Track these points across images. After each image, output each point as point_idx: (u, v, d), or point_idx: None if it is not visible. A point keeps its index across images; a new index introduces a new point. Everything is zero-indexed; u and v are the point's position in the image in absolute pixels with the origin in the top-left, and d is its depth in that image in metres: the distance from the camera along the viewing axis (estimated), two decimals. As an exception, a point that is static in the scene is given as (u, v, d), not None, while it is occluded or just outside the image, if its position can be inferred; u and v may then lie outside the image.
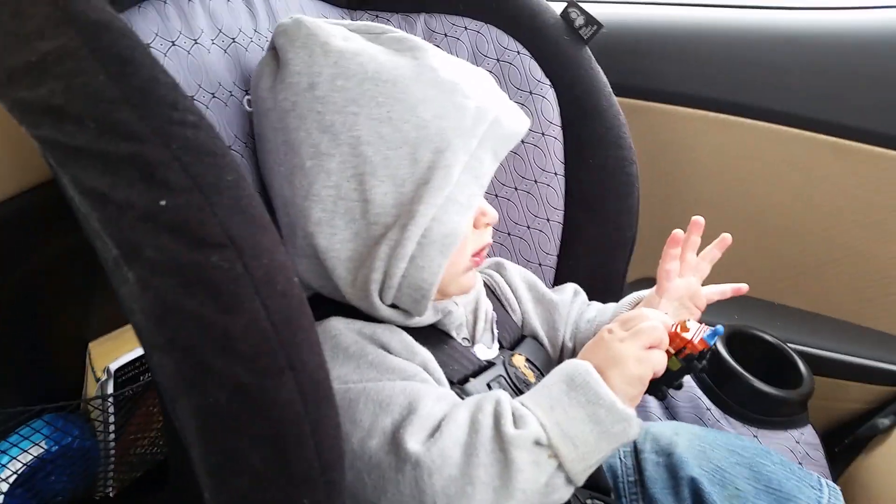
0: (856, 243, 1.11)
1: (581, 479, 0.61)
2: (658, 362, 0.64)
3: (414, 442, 0.58)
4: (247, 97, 0.74)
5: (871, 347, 1.10)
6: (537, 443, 0.59)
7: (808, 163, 1.10)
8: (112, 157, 0.45)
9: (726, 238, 0.83)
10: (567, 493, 0.61)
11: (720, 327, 0.67)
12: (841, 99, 1.07)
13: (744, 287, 0.83)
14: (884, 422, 0.98)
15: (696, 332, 0.67)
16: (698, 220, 0.81)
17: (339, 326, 0.68)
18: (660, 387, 0.68)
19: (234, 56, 0.75)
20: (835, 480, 0.90)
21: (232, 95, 0.72)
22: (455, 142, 0.65)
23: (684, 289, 0.81)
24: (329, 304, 0.70)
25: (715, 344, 0.68)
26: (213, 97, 0.70)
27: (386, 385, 0.62)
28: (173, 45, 0.67)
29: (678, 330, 0.67)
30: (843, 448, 1.03)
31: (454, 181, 0.65)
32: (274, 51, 0.69)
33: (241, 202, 0.47)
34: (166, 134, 0.45)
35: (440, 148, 0.64)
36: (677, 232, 0.81)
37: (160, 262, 0.45)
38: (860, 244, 1.11)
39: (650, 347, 0.64)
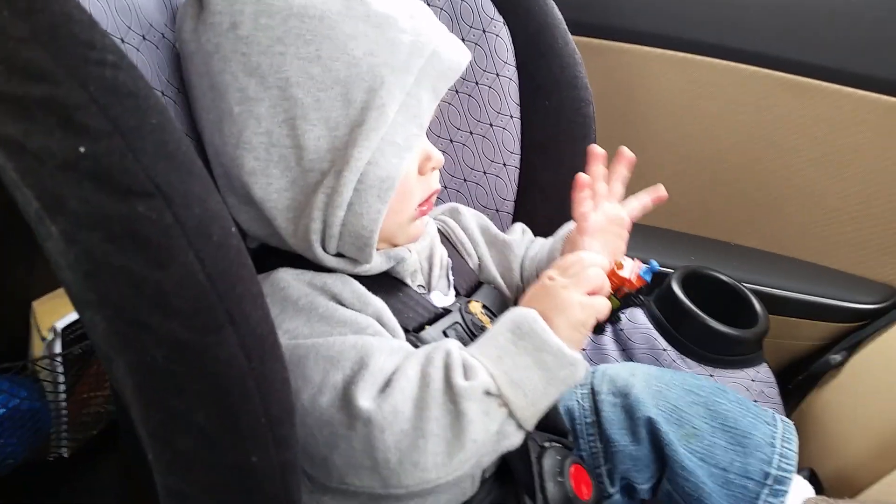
0: (811, 182, 1.12)
1: (531, 424, 0.62)
2: (601, 307, 0.64)
3: (365, 398, 0.58)
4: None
5: (825, 285, 1.12)
6: (487, 392, 0.59)
7: (765, 101, 1.11)
8: (24, 101, 0.42)
9: (626, 154, 0.82)
10: (518, 437, 0.62)
11: (654, 262, 0.70)
12: (799, 36, 1.07)
13: (663, 193, 0.83)
14: (835, 357, 1.00)
15: (632, 270, 0.69)
16: (595, 149, 0.81)
17: (287, 278, 0.66)
18: (600, 323, 0.70)
19: (166, -5, 0.71)
20: (788, 416, 0.92)
21: (164, 38, 0.68)
22: (389, 79, 0.62)
23: (604, 220, 0.80)
24: (277, 255, 0.68)
25: (653, 278, 0.71)
26: (144, 39, 0.66)
27: (336, 340, 0.61)
28: (98, -18, 0.63)
29: (614, 268, 0.69)
30: (797, 384, 1.06)
31: (389, 121, 0.62)
32: None
33: (167, 147, 0.44)
34: (82, 75, 0.42)
35: (373, 87, 0.61)
36: (581, 176, 0.81)
37: (84, 214, 0.42)
38: (815, 183, 1.12)
39: (592, 292, 0.64)
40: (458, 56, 0.68)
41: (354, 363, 0.60)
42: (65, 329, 1.00)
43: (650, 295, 1.01)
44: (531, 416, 0.61)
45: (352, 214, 0.63)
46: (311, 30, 0.61)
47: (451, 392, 0.58)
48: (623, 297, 0.69)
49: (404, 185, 0.67)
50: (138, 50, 0.65)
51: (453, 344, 0.63)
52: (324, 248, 0.66)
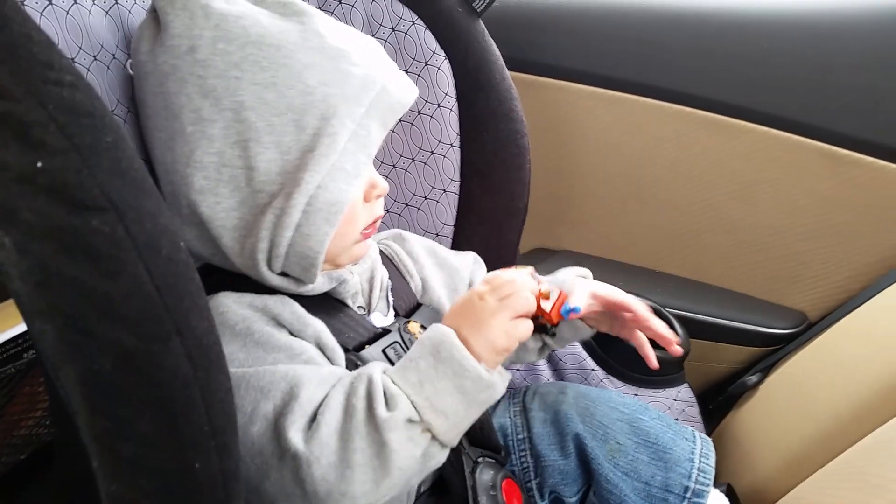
0: (729, 214, 1.17)
1: (455, 442, 0.64)
2: (524, 333, 0.66)
3: (294, 431, 0.59)
4: (129, 61, 0.71)
5: (742, 311, 1.17)
6: (409, 420, 0.60)
7: (686, 137, 1.16)
8: None
9: None
10: (444, 455, 0.64)
11: (578, 307, 0.71)
12: (716, 76, 1.12)
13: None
14: (751, 379, 1.05)
15: (555, 304, 0.70)
16: None
17: (226, 303, 0.67)
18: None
19: (116, 18, 0.72)
20: (709, 434, 0.97)
21: (114, 59, 0.70)
22: (341, 109, 0.64)
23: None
24: (219, 275, 0.69)
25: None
26: (95, 60, 0.67)
27: (268, 370, 0.62)
28: (50, 3, 0.64)
29: (540, 296, 0.69)
30: (717, 405, 1.10)
31: (340, 149, 0.64)
32: (154, 13, 0.66)
33: (121, 164, 0.46)
34: (41, 93, 0.43)
35: (326, 115, 0.63)
36: None
37: (38, 226, 0.44)
38: (733, 214, 1.17)
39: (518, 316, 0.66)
40: (406, 93, 0.70)
41: (285, 394, 0.61)
42: (-2, 347, 0.98)
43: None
44: (454, 436, 0.63)
45: (299, 235, 0.65)
46: (267, 57, 0.63)
47: (373, 422, 0.59)
48: (539, 326, 0.70)
49: (351, 211, 0.68)
50: (89, 70, 0.66)
51: (377, 369, 0.64)
52: (269, 267, 0.67)
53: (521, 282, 0.68)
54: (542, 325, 0.71)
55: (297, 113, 0.63)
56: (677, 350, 0.81)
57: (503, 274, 0.70)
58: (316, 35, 0.65)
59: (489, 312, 0.65)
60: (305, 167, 0.63)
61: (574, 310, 0.71)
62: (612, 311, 0.81)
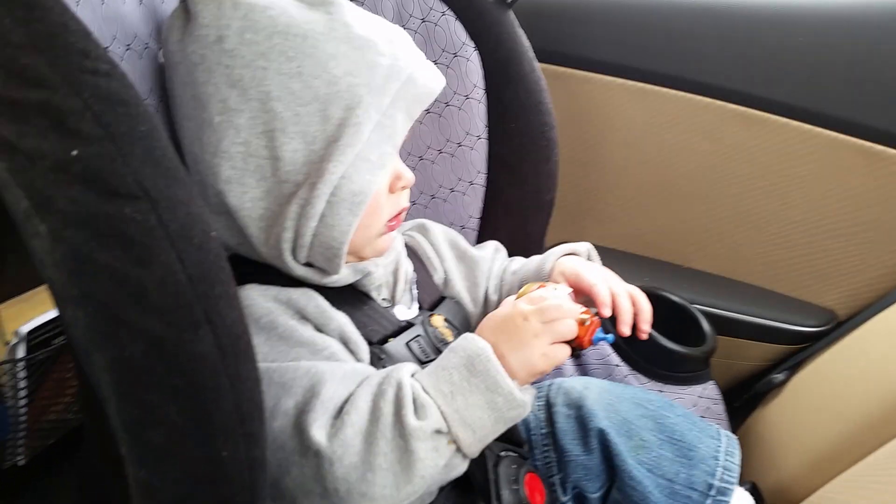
0: (759, 209, 1.16)
1: (476, 455, 0.65)
2: (562, 358, 0.67)
3: (317, 428, 0.59)
4: (162, 51, 0.72)
5: (769, 308, 1.16)
6: (438, 431, 0.61)
7: (717, 131, 1.14)
8: (20, 104, 0.44)
9: None
10: (464, 466, 0.65)
11: (611, 336, 0.70)
12: (750, 70, 1.11)
13: None
14: (778, 377, 1.04)
15: (589, 329, 0.69)
16: None
17: (252, 295, 0.67)
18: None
19: (149, 7, 0.73)
20: (734, 432, 0.95)
21: (147, 47, 0.70)
22: (366, 99, 0.64)
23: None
24: (246, 265, 0.70)
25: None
26: (129, 49, 0.68)
27: (290, 366, 0.63)
28: (85, -8, 0.65)
29: (579, 322, 0.69)
30: (742, 402, 1.09)
31: (364, 139, 0.64)
32: (184, 3, 0.67)
33: (154, 153, 0.47)
34: (77, 82, 0.44)
35: (351, 105, 0.64)
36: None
37: (72, 214, 0.45)
38: (762, 210, 1.16)
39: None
40: (432, 82, 0.70)
41: (306, 390, 0.61)
42: (29, 333, 1.00)
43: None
44: (477, 449, 0.64)
45: (323, 226, 0.65)
46: (293, 47, 0.63)
47: (401, 429, 0.60)
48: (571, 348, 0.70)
49: (375, 202, 0.69)
50: (122, 59, 0.67)
51: (406, 372, 0.64)
52: (293, 258, 0.67)
53: (568, 308, 0.68)
54: (572, 347, 0.70)
55: (323, 103, 0.64)
56: (622, 331, 0.79)
57: (549, 297, 0.69)
58: (342, 25, 0.65)
59: (532, 334, 0.65)
60: (330, 157, 0.64)
61: (606, 338, 0.71)
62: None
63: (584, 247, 0.88)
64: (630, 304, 0.80)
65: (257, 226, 0.66)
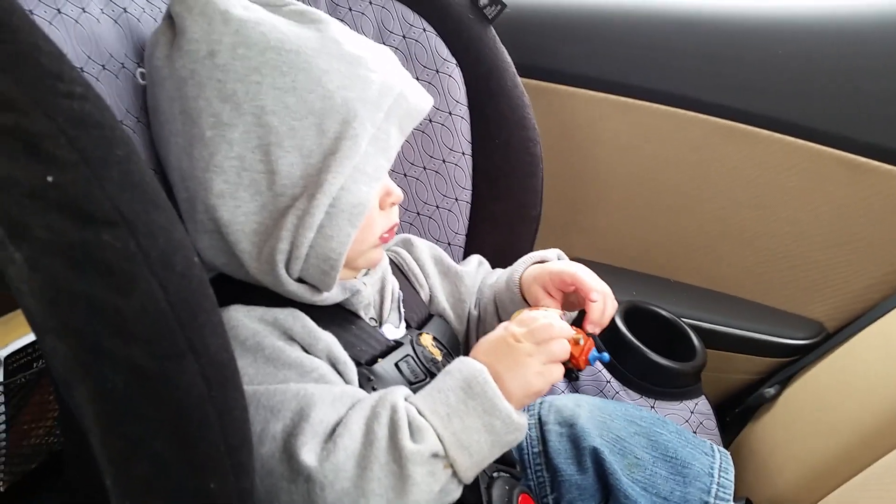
0: (745, 222, 1.16)
1: (470, 481, 0.64)
2: (557, 377, 0.66)
3: (307, 451, 0.58)
4: (139, 70, 0.71)
5: (759, 321, 1.16)
6: (435, 455, 0.60)
7: (702, 144, 1.15)
8: None
9: None
10: (458, 492, 0.64)
11: (606, 355, 0.71)
12: (734, 83, 1.11)
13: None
14: (769, 391, 1.03)
15: (583, 350, 0.70)
16: None
17: (237, 317, 0.66)
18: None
19: (125, 27, 0.71)
20: (726, 447, 0.95)
21: (124, 68, 0.69)
22: (362, 113, 0.64)
23: None
24: (231, 287, 0.69)
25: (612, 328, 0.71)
26: (104, 69, 0.66)
27: (278, 388, 0.62)
28: (59, 12, 0.63)
29: (572, 342, 0.69)
30: (734, 417, 1.09)
31: (362, 151, 0.65)
32: (170, 19, 0.67)
33: (132, 177, 0.45)
34: (50, 105, 0.43)
35: (347, 119, 0.64)
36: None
37: (49, 242, 0.43)
38: (749, 223, 1.16)
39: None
40: (422, 101, 0.71)
41: (295, 414, 0.60)
42: (8, 358, 0.98)
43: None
44: (473, 474, 0.63)
45: (321, 237, 0.65)
46: (287, 62, 0.64)
47: (396, 453, 0.58)
48: (566, 370, 0.70)
49: (368, 216, 0.68)
50: (97, 79, 0.66)
51: (400, 395, 0.63)
52: (287, 272, 0.66)
53: (559, 327, 0.68)
54: (569, 369, 0.70)
55: (318, 116, 0.64)
56: (588, 328, 0.77)
57: (539, 317, 0.69)
58: (333, 42, 0.66)
59: (525, 353, 0.65)
60: (328, 169, 0.64)
61: (602, 358, 0.71)
62: (561, 290, 0.81)
63: (554, 253, 0.88)
64: (603, 302, 0.79)
65: (250, 240, 0.66)
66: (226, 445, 0.49)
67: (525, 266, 0.86)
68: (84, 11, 0.66)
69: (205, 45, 0.64)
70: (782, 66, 1.08)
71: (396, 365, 0.72)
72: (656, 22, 1.16)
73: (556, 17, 1.21)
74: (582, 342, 0.70)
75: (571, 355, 0.69)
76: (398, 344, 0.75)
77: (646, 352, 0.96)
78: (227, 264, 0.69)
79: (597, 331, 0.77)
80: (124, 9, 0.72)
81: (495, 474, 0.74)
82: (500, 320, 0.81)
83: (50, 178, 0.42)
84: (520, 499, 0.72)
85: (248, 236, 0.65)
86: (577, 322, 0.77)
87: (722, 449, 0.83)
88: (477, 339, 0.70)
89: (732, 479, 0.79)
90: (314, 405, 0.61)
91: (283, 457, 0.59)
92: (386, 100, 0.66)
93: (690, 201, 1.19)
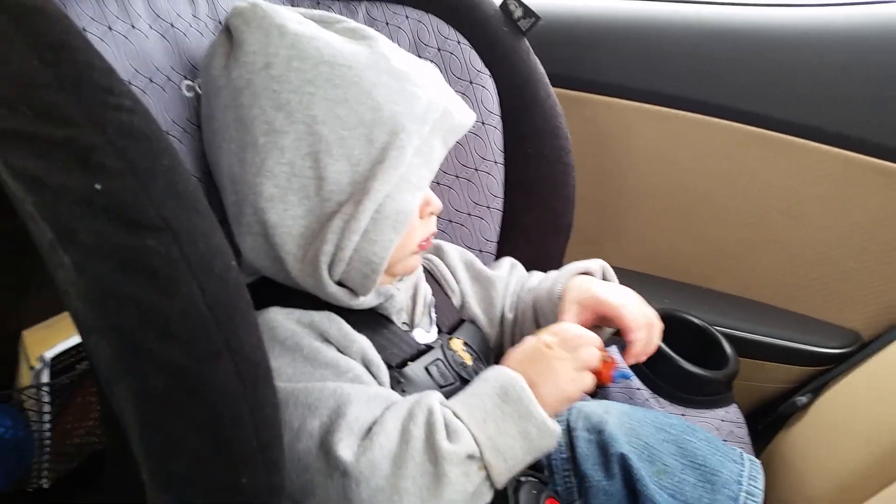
0: (778, 230, 1.15)
1: (503, 485, 0.65)
2: (588, 385, 0.68)
3: (343, 447, 0.60)
4: (185, 82, 0.74)
5: (792, 329, 1.14)
6: (470, 456, 0.61)
7: (735, 153, 1.14)
8: (46, 141, 0.45)
9: None
10: (489, 496, 0.65)
11: (629, 372, 0.72)
12: (767, 91, 1.11)
13: None
14: (802, 399, 1.02)
15: (609, 366, 0.71)
16: None
17: (276, 318, 0.69)
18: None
19: (172, 41, 0.74)
20: (758, 456, 0.94)
21: (170, 81, 0.72)
22: (409, 126, 0.67)
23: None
24: (270, 290, 0.71)
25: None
26: (151, 82, 0.69)
27: (315, 387, 0.64)
28: (110, 29, 0.67)
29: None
30: (766, 425, 1.08)
31: (407, 162, 0.67)
32: (228, 32, 0.70)
33: (176, 186, 0.48)
34: (101, 118, 0.45)
35: (394, 130, 0.67)
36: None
37: (96, 246, 0.46)
38: (782, 231, 1.15)
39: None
40: (466, 118, 0.74)
41: (332, 411, 0.62)
42: (53, 359, 1.01)
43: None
44: (506, 479, 0.64)
45: (365, 241, 0.67)
46: (339, 76, 0.67)
47: (432, 453, 0.60)
48: None
49: (411, 223, 0.71)
50: (144, 92, 0.69)
51: (435, 399, 0.65)
52: (329, 274, 0.68)
53: (589, 336, 0.69)
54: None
55: (367, 127, 0.67)
56: (628, 361, 0.78)
57: (570, 327, 0.71)
58: (383, 58, 0.69)
59: (557, 359, 0.67)
60: (375, 177, 0.66)
61: (625, 376, 0.73)
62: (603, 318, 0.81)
63: (598, 264, 0.88)
64: (647, 336, 0.79)
65: (296, 243, 0.68)
66: (258, 441, 0.51)
67: (567, 278, 0.86)
68: (133, 28, 0.69)
69: (262, 56, 0.67)
70: (815, 74, 1.07)
71: (426, 368, 0.74)
72: (689, 31, 1.16)
73: (590, 28, 1.22)
74: (608, 359, 0.71)
75: (597, 370, 0.70)
76: (429, 348, 0.77)
77: (678, 360, 0.96)
78: (268, 267, 0.71)
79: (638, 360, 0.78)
80: (171, 24, 0.75)
81: (522, 478, 0.74)
82: (539, 326, 0.82)
83: (98, 186, 0.45)
84: (547, 503, 0.73)
85: (295, 239, 0.68)
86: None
87: (752, 457, 0.82)
88: (513, 343, 0.72)
89: (762, 487, 0.78)
90: (350, 403, 0.62)
91: (319, 452, 0.61)
92: (432, 115, 0.69)
93: (723, 209, 1.19)
